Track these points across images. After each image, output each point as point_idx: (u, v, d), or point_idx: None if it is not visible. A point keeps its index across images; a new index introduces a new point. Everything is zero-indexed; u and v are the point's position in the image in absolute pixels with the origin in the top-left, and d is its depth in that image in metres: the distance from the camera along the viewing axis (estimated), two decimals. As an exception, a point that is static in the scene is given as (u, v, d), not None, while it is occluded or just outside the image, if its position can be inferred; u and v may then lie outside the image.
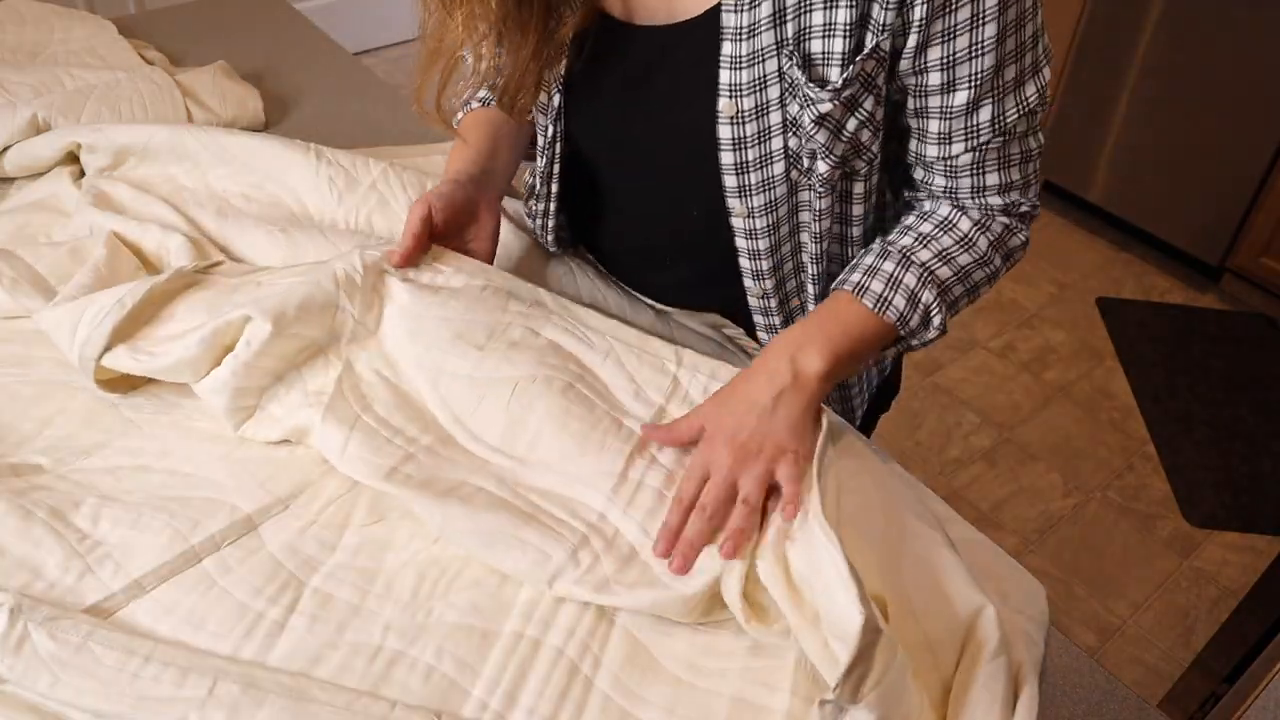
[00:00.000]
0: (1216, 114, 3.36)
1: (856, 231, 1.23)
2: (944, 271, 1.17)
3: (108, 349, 1.14)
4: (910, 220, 1.21)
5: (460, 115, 1.37)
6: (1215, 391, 3.25)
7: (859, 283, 1.15)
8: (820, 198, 1.17)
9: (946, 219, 1.19)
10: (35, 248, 1.30)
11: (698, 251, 1.29)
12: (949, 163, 1.14)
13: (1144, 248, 3.80)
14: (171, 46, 2.00)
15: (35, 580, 0.98)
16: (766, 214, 1.18)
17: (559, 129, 1.26)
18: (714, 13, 1.09)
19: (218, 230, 1.39)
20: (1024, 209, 1.20)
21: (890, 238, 1.20)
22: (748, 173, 1.15)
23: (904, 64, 1.06)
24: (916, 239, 1.18)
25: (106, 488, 1.08)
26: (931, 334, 1.19)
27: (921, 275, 1.15)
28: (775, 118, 1.11)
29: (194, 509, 1.05)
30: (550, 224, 1.38)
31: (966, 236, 1.18)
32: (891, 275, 1.15)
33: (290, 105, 1.87)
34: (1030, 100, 1.10)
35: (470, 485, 1.05)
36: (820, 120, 1.09)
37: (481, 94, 1.36)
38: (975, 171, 1.14)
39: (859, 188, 1.19)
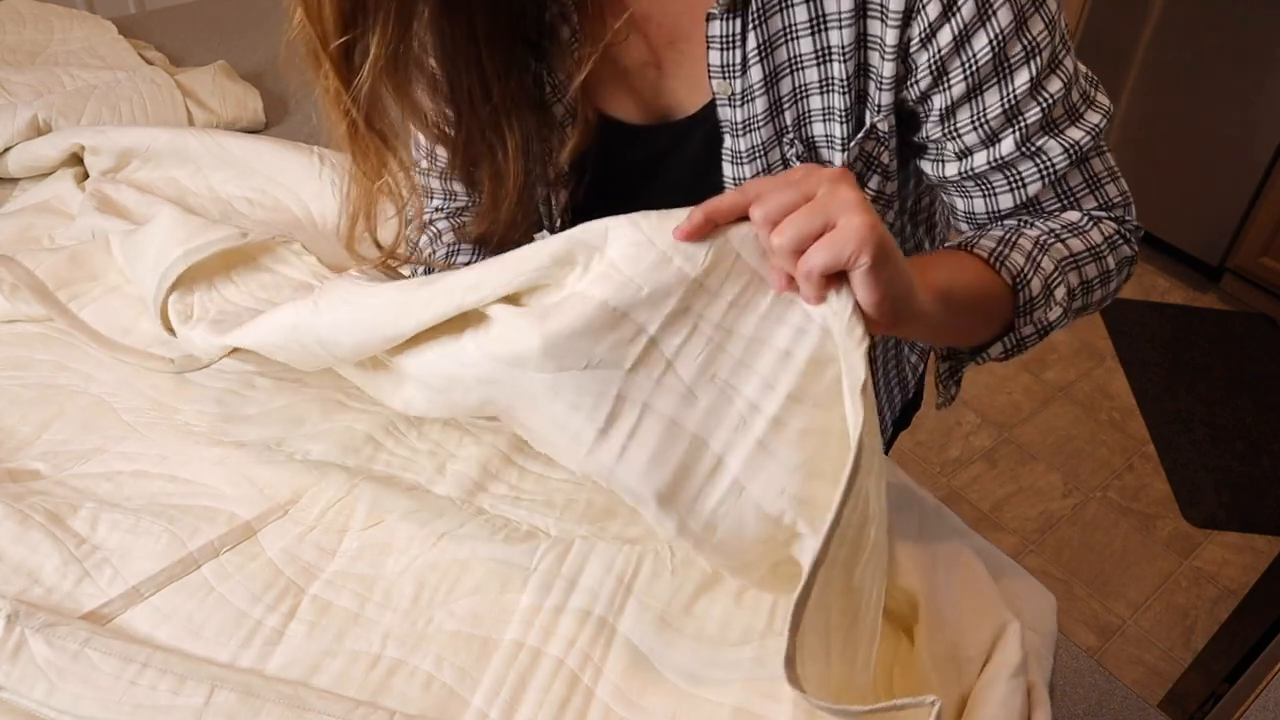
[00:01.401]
0: (1216, 114, 3.35)
1: None
2: (1059, 250, 1.00)
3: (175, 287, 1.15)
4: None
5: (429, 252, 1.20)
6: (1215, 391, 3.24)
7: (964, 241, 1.00)
8: None
9: (1052, 211, 1.05)
10: (35, 253, 1.29)
11: None
12: (1033, 205, 1.04)
13: (1144, 248, 3.77)
14: (171, 46, 2.00)
15: (33, 585, 0.97)
16: None
17: (566, 221, 1.20)
18: (712, 107, 1.04)
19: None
20: (1129, 224, 1.08)
21: (989, 224, 1.07)
22: None
23: (932, 132, 1.00)
24: (1023, 220, 1.04)
25: (104, 493, 1.07)
26: (1054, 311, 1.01)
27: (1038, 242, 0.99)
28: None
29: (193, 515, 1.05)
30: None
31: (1076, 224, 1.03)
32: (1004, 238, 0.99)
33: (290, 105, 1.87)
34: (1099, 124, 1.00)
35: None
36: None
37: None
38: (1068, 206, 1.04)
39: None
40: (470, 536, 1.05)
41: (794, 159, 1.03)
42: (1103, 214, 1.06)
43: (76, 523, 1.03)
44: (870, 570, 0.80)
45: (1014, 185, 1.03)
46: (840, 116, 0.99)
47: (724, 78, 1.00)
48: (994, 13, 0.91)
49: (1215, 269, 3.60)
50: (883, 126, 0.99)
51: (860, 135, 1.00)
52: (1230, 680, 1.99)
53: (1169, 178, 3.54)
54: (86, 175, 1.56)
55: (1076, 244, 1.03)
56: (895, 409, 1.45)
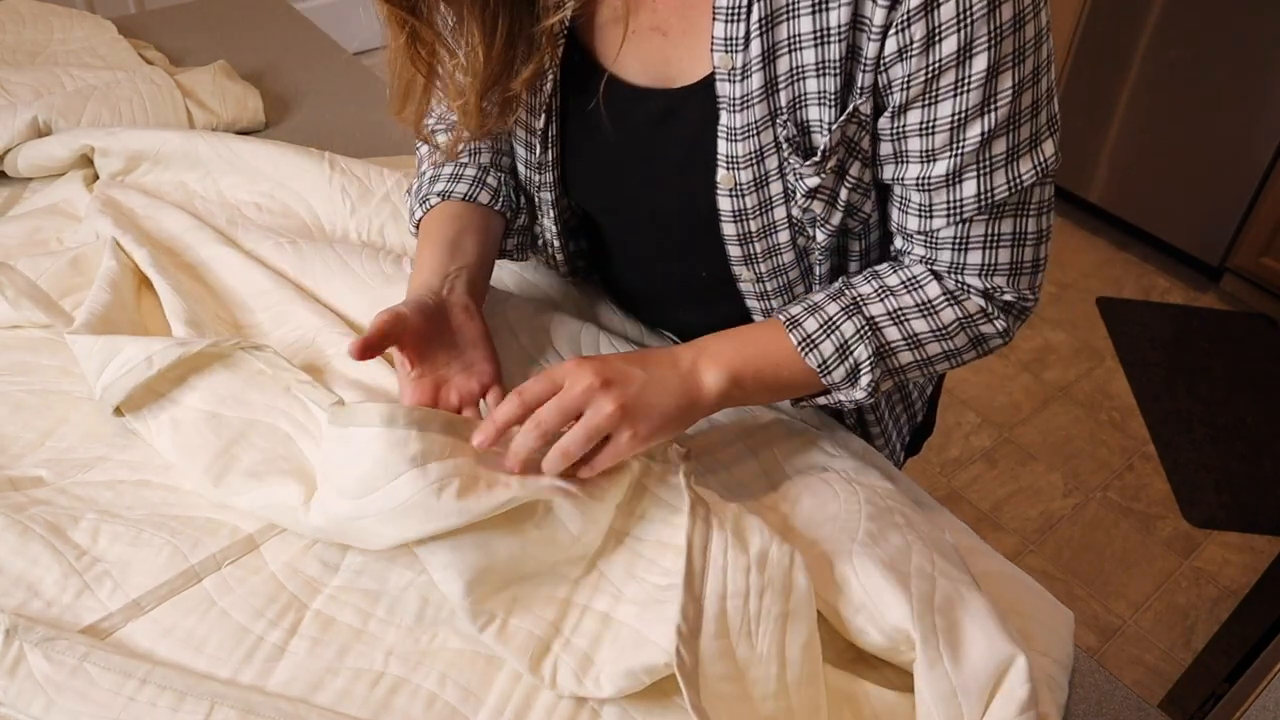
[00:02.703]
0: (1216, 114, 3.35)
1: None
2: (892, 333, 1.09)
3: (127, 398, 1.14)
4: (881, 267, 1.14)
5: (419, 213, 1.27)
6: (1215, 391, 3.24)
7: (795, 316, 1.10)
8: (821, 263, 1.14)
9: (914, 278, 1.10)
10: (36, 260, 1.29)
11: (711, 304, 1.24)
12: (930, 236, 1.08)
13: (1144, 248, 3.79)
14: (171, 46, 1.99)
15: (32, 599, 0.96)
16: (775, 277, 1.15)
17: (555, 177, 1.22)
18: (711, 80, 1.05)
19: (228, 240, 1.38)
20: (1006, 298, 1.11)
21: (852, 279, 1.13)
22: (751, 243, 1.12)
23: (882, 123, 1.02)
24: (876, 290, 1.10)
25: (106, 502, 1.07)
26: (858, 393, 1.11)
27: (862, 328, 1.08)
28: (776, 188, 1.07)
29: (194, 526, 1.04)
30: (560, 258, 1.34)
31: (929, 302, 1.10)
32: (830, 319, 1.09)
33: (290, 105, 1.86)
34: (1024, 177, 1.02)
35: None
36: (812, 193, 1.05)
37: (440, 186, 1.27)
38: (957, 247, 1.07)
39: (855, 246, 1.15)
40: (475, 552, 1.04)
41: (784, 141, 1.04)
42: (975, 285, 1.09)
43: (77, 534, 1.02)
44: (771, 637, 0.92)
45: (923, 213, 1.06)
46: (831, 99, 1.00)
47: (726, 51, 1.01)
48: (971, 21, 0.92)
49: (1215, 269, 3.60)
50: (865, 109, 1.00)
51: (842, 118, 1.00)
52: (1230, 680, 2.00)
53: (1169, 178, 3.54)
54: (96, 177, 1.55)
55: (920, 325, 1.10)
56: (904, 435, 1.44)
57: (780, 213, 1.09)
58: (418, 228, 1.27)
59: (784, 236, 1.11)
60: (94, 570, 0.99)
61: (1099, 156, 3.71)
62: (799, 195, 1.06)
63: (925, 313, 1.10)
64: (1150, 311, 3.54)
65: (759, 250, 1.12)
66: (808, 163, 1.03)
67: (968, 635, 0.92)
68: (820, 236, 1.10)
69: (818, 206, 1.07)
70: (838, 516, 1.06)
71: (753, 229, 1.10)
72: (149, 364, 1.11)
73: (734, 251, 1.13)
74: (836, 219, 1.08)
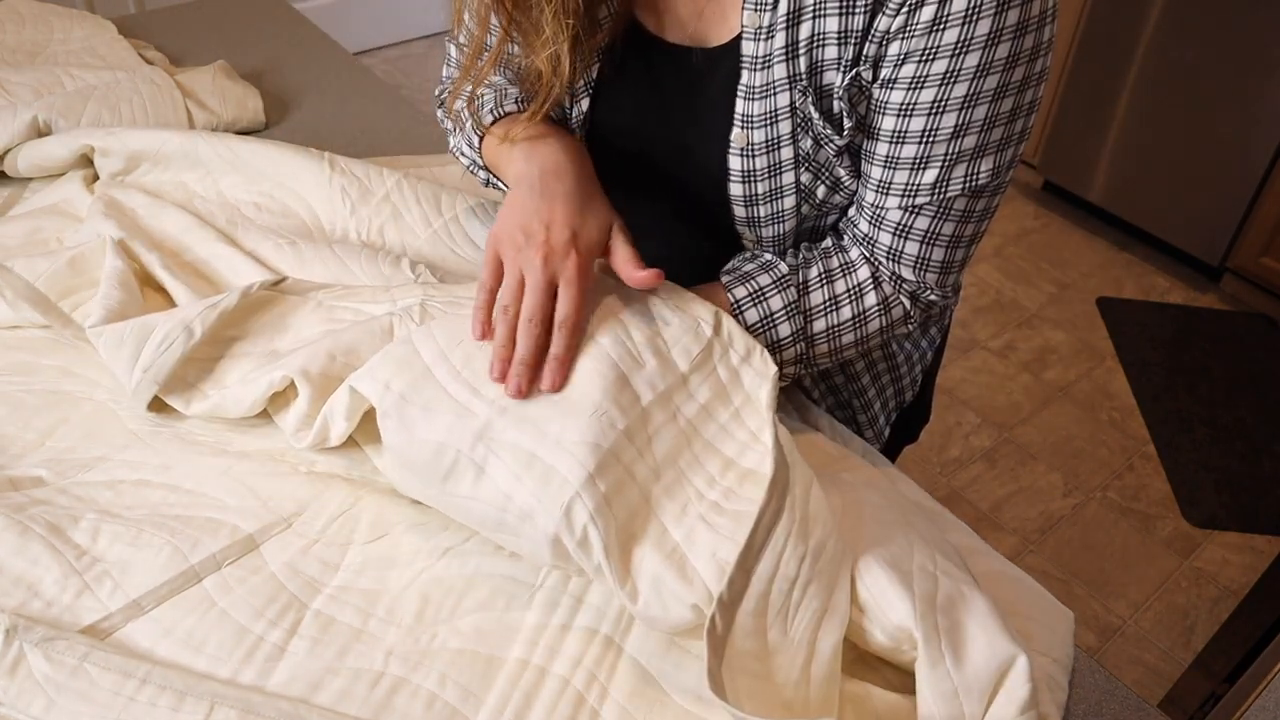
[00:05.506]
0: (1216, 114, 3.35)
1: None
2: (819, 324, 1.16)
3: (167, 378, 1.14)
4: (827, 243, 1.18)
5: (480, 125, 1.27)
6: (1215, 391, 3.24)
7: (727, 283, 1.15)
8: (819, 231, 1.17)
9: (849, 263, 1.16)
10: (33, 260, 1.28)
11: (709, 271, 1.25)
12: (878, 211, 1.11)
13: (1144, 248, 3.79)
14: (171, 46, 1.99)
15: (32, 599, 0.96)
16: (775, 245, 1.17)
17: (584, 134, 1.24)
18: (739, 41, 1.08)
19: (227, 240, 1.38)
20: (930, 297, 1.17)
21: (791, 260, 1.16)
22: (756, 205, 1.14)
23: (872, 93, 1.05)
24: (819, 275, 1.15)
25: (106, 502, 1.06)
26: (785, 370, 1.17)
27: (790, 306, 1.14)
28: (787, 153, 1.09)
29: (194, 526, 1.04)
30: None
31: (859, 286, 1.15)
32: (759, 289, 1.14)
33: (290, 105, 1.86)
34: (980, 177, 1.05)
35: (450, 450, 0.99)
36: (841, 152, 1.08)
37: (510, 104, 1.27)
38: (898, 233, 1.11)
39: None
40: (475, 551, 1.04)
41: (808, 105, 1.06)
42: (910, 275, 1.14)
43: (77, 534, 1.02)
44: (806, 621, 0.91)
45: (879, 189, 1.09)
46: (846, 66, 1.03)
47: (755, 9, 1.04)
48: (977, 18, 0.95)
49: (1215, 269, 3.61)
50: (866, 75, 1.03)
51: (846, 81, 1.03)
52: (1230, 680, 2.00)
53: (1169, 178, 3.54)
54: (96, 177, 1.55)
55: (845, 312, 1.16)
56: (890, 411, 1.44)
57: (789, 178, 1.11)
58: (481, 142, 1.27)
59: (789, 203, 1.13)
60: (94, 570, 0.99)
61: (1099, 156, 3.71)
62: (828, 156, 1.09)
63: (852, 298, 1.16)
64: (1150, 311, 3.54)
65: (762, 215, 1.15)
66: (838, 128, 1.06)
67: (969, 635, 0.92)
68: (837, 198, 1.13)
69: (843, 170, 1.10)
70: (838, 515, 1.06)
71: (759, 191, 1.13)
72: (189, 333, 1.12)
73: (739, 213, 1.16)
74: (855, 186, 1.12)
